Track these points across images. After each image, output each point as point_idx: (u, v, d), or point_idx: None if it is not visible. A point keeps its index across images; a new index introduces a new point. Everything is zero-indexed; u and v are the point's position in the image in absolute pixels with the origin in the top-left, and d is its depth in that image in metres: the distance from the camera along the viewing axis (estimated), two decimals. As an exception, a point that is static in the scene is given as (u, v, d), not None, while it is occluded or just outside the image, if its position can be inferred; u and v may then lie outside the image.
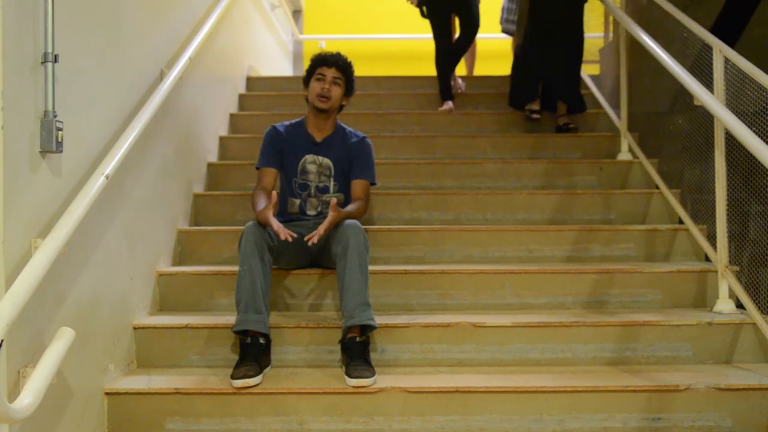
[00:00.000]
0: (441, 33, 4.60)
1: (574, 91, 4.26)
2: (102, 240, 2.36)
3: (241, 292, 2.51)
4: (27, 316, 1.81)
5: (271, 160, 2.96)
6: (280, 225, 2.57)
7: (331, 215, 2.63)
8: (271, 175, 2.95)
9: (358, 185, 2.96)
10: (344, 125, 3.07)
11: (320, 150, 2.97)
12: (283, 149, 2.97)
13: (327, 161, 2.96)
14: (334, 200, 2.65)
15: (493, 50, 6.32)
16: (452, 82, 4.68)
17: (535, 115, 4.23)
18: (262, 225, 2.59)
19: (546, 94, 4.27)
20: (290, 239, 2.54)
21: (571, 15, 4.22)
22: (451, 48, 4.64)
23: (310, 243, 2.60)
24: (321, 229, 2.61)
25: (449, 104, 4.52)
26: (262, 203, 2.73)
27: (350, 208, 2.82)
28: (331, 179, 2.96)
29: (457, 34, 4.85)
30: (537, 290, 2.93)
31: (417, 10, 4.66)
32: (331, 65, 2.92)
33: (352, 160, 2.98)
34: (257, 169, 2.99)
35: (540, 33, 4.18)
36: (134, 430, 2.35)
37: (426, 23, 4.65)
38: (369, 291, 2.58)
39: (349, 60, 2.98)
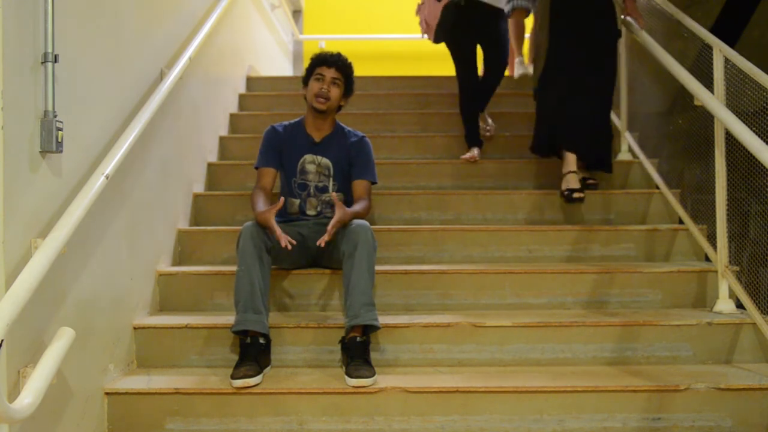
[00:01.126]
0: (465, 68, 3.94)
1: (602, 146, 3.52)
2: (102, 240, 2.36)
3: (239, 292, 2.51)
4: (27, 316, 1.80)
5: (270, 159, 2.96)
6: (282, 232, 2.57)
7: (338, 213, 2.63)
8: (270, 174, 2.95)
9: (359, 185, 2.96)
10: (343, 125, 3.07)
11: (319, 150, 2.97)
12: (282, 149, 2.97)
13: (326, 161, 2.96)
14: (335, 195, 2.65)
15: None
16: (480, 122, 4.04)
17: (576, 194, 3.33)
18: (262, 226, 2.59)
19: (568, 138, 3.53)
20: (290, 247, 2.55)
21: (601, 50, 3.47)
22: (478, 86, 3.97)
23: (322, 244, 2.61)
24: (330, 228, 2.61)
25: (474, 152, 3.83)
26: (261, 204, 2.74)
27: (357, 207, 2.82)
28: (330, 179, 2.96)
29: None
30: (537, 290, 2.93)
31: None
32: (331, 65, 2.91)
33: (351, 160, 2.98)
34: (256, 168, 2.99)
35: (561, 72, 3.46)
36: (134, 430, 2.35)
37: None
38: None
39: (349, 61, 2.97)
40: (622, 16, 3.60)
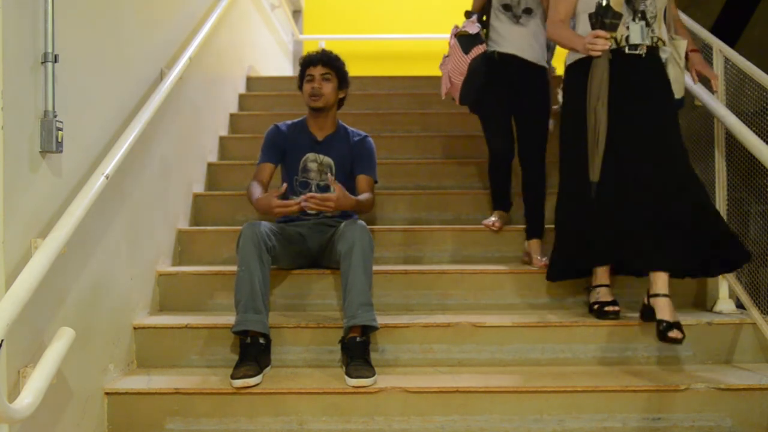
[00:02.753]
0: (498, 137, 3.24)
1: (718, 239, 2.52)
2: (102, 240, 2.36)
3: (240, 292, 2.51)
4: (27, 316, 1.80)
5: (271, 156, 2.98)
6: (283, 201, 2.65)
7: (338, 192, 2.68)
8: (267, 170, 2.97)
9: (363, 180, 2.96)
10: (346, 125, 3.07)
11: (322, 149, 2.97)
12: (285, 147, 2.98)
13: (328, 160, 2.96)
14: (331, 177, 2.69)
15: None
16: (531, 252, 3.14)
17: (611, 308, 2.66)
18: (264, 212, 2.66)
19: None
20: (301, 205, 2.64)
21: (663, 127, 2.57)
22: (510, 154, 3.25)
23: (304, 203, 2.66)
24: (330, 203, 2.67)
25: (498, 217, 3.25)
26: (259, 192, 2.77)
27: (360, 197, 2.84)
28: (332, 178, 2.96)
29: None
30: (537, 290, 2.93)
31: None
32: (317, 63, 2.93)
33: (354, 159, 2.98)
34: (257, 165, 3.00)
35: (614, 159, 2.53)
36: (134, 430, 2.34)
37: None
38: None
39: (334, 54, 2.98)
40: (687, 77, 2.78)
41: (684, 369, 2.55)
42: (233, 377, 2.35)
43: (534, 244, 3.14)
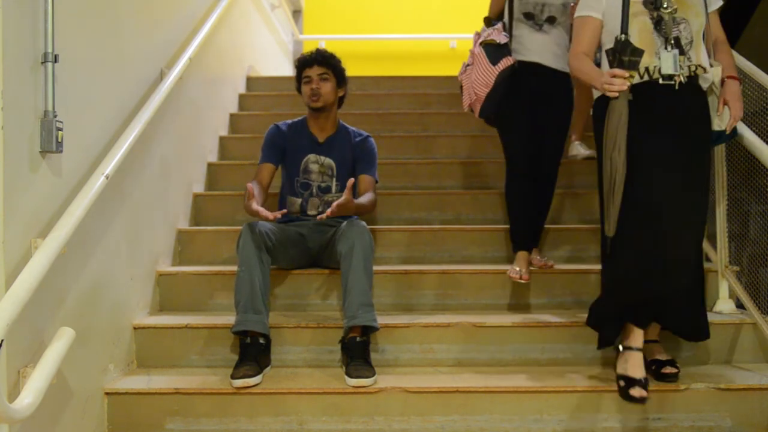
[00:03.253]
0: (520, 146, 2.96)
1: (696, 309, 2.45)
2: (102, 240, 2.36)
3: (240, 293, 2.51)
4: (27, 316, 1.80)
5: (271, 156, 2.97)
6: (263, 210, 2.55)
7: (345, 196, 2.60)
8: (268, 170, 2.95)
9: (364, 180, 2.95)
10: (347, 125, 3.07)
11: (323, 150, 2.97)
12: (285, 148, 2.97)
13: (329, 161, 2.96)
14: (351, 180, 2.64)
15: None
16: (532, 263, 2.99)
17: (638, 392, 2.25)
18: (253, 216, 2.60)
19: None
20: (279, 216, 2.56)
21: (702, 167, 2.36)
22: (535, 172, 2.97)
23: (320, 217, 2.59)
24: (334, 206, 2.57)
25: (521, 265, 2.89)
26: (250, 194, 2.74)
27: (362, 200, 2.81)
28: (334, 179, 2.95)
29: None
30: (537, 290, 2.93)
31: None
32: (312, 64, 2.91)
33: (355, 158, 2.98)
34: (258, 165, 2.99)
35: (659, 207, 2.26)
36: (134, 430, 2.34)
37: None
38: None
39: (329, 52, 2.95)
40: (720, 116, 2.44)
41: (684, 369, 2.54)
42: (233, 377, 2.35)
43: (533, 251, 3.05)
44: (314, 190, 2.94)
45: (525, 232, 2.97)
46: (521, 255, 2.91)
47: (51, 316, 2.01)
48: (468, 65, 2.94)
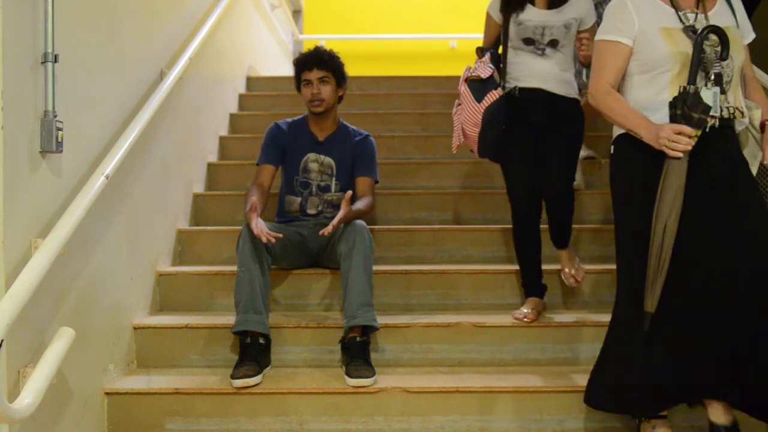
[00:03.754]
0: (520, 185, 2.76)
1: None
2: (102, 240, 2.36)
3: (239, 293, 2.51)
4: (27, 316, 1.80)
5: (271, 157, 2.95)
6: (262, 227, 2.52)
7: (343, 209, 2.59)
8: (269, 172, 2.94)
9: (363, 182, 2.94)
10: (347, 123, 3.06)
11: (323, 149, 2.96)
12: (285, 147, 2.97)
13: (329, 160, 2.96)
14: (349, 193, 2.63)
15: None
16: (565, 268, 2.87)
17: None
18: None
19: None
20: (273, 241, 2.51)
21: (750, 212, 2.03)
22: (538, 210, 2.79)
23: (323, 233, 2.57)
24: (335, 222, 2.57)
25: (532, 307, 2.73)
26: (251, 201, 2.70)
27: (359, 205, 2.79)
28: (333, 178, 2.95)
29: None
30: (537, 290, 2.93)
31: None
32: (312, 67, 2.85)
33: (355, 158, 2.97)
34: (257, 165, 2.99)
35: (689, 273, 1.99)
36: (134, 430, 2.34)
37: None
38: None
39: (327, 52, 2.88)
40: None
41: (684, 369, 2.54)
42: (233, 377, 2.35)
43: (564, 254, 2.86)
44: (314, 189, 2.94)
45: (533, 276, 2.80)
46: (531, 300, 2.77)
47: (51, 316, 2.01)
48: (457, 106, 2.74)
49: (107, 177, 2.15)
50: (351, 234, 2.58)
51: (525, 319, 2.67)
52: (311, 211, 2.94)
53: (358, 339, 2.48)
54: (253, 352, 2.45)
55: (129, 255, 2.60)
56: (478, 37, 4.93)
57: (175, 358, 2.62)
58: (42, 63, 1.93)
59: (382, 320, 2.58)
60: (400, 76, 5.37)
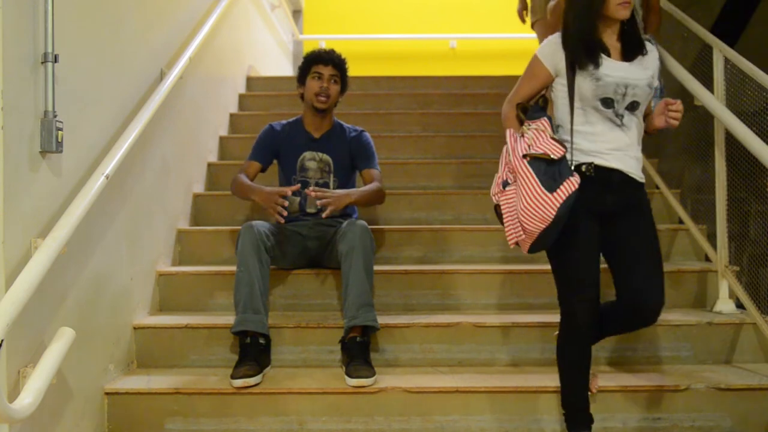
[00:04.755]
0: (584, 281, 2.15)
1: None
2: (102, 240, 2.36)
3: (239, 293, 2.51)
4: (27, 316, 1.80)
5: (260, 156, 2.99)
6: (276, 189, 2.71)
7: (345, 191, 2.70)
8: (254, 168, 2.98)
9: (369, 174, 2.97)
10: (341, 122, 3.07)
11: (319, 146, 2.97)
12: (279, 148, 2.98)
13: (326, 157, 2.96)
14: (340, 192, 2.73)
15: (495, 50, 6.32)
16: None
17: None
18: (259, 198, 2.72)
19: None
20: (289, 193, 2.69)
21: None
22: (597, 316, 2.17)
23: (324, 215, 2.70)
24: (329, 197, 2.70)
25: None
26: (245, 182, 2.84)
27: (366, 187, 2.87)
28: (331, 175, 2.96)
29: None
30: (537, 290, 2.93)
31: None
32: (328, 63, 2.92)
33: (353, 154, 2.98)
34: (246, 160, 3.01)
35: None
36: (134, 430, 2.35)
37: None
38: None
39: (343, 56, 2.98)
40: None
41: (684, 369, 2.55)
42: (233, 377, 2.35)
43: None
44: (312, 187, 2.94)
45: (584, 402, 2.19)
46: None
47: (51, 316, 2.01)
48: (505, 183, 2.09)
49: (107, 177, 2.15)
50: (351, 234, 2.58)
51: None
52: (311, 209, 2.93)
53: (358, 339, 2.48)
54: (252, 352, 2.45)
55: (129, 255, 2.60)
56: (478, 37, 4.85)
57: (175, 358, 2.62)
58: (42, 63, 1.93)
59: (382, 320, 2.58)
60: (400, 76, 5.37)
